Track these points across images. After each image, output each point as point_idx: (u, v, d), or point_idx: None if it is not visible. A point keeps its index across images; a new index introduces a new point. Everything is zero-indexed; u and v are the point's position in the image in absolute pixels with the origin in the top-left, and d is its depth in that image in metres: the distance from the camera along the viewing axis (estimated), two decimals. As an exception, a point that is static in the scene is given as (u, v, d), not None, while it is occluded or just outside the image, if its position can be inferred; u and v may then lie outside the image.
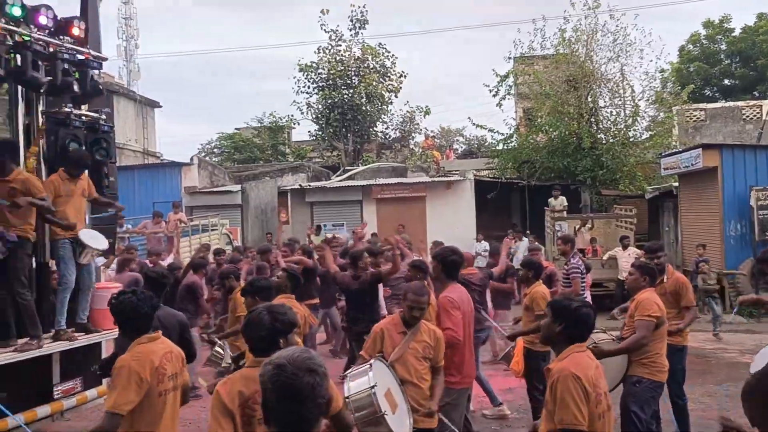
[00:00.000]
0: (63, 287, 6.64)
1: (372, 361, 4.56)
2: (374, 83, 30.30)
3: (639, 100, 21.73)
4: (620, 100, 21.62)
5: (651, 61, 22.84)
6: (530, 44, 22.58)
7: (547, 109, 21.83)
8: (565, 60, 21.59)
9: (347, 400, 4.30)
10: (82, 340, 6.74)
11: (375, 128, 32.66)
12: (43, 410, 6.42)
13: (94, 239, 6.79)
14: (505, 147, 23.36)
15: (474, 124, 24.50)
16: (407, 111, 32.71)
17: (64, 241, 6.61)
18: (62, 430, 7.18)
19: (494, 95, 23.07)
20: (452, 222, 20.50)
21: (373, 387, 4.28)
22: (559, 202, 19.23)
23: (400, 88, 31.77)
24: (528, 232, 18.90)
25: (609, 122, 21.88)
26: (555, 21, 24.23)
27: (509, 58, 23.66)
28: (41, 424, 6.70)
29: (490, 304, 9.96)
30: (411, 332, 4.72)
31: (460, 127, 42.03)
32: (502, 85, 22.99)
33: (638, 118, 21.62)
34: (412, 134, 34.02)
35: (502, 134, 23.54)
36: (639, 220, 17.92)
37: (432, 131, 36.36)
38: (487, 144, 28.80)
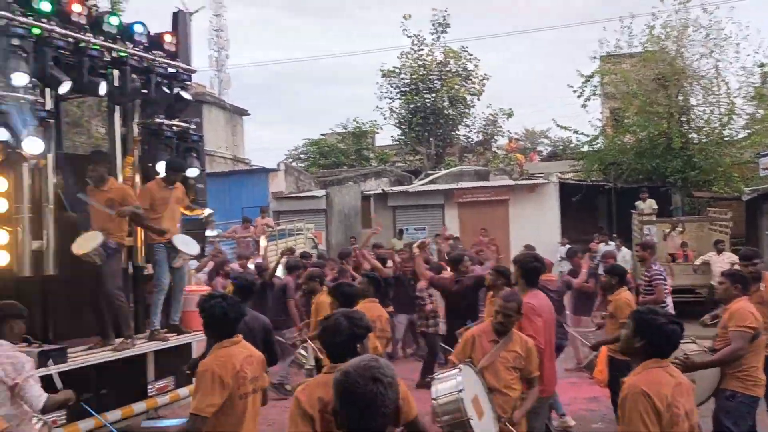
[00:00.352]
0: (158, 290, 6.99)
1: (461, 365, 4.55)
2: (456, 87, 30.18)
3: (735, 96, 20.69)
4: (714, 97, 20.65)
5: (749, 55, 21.48)
6: (617, 42, 21.94)
7: (634, 109, 21.13)
8: (654, 58, 20.83)
9: (433, 402, 4.32)
10: (174, 340, 7.05)
11: (457, 132, 32.52)
12: (139, 406, 6.75)
13: (187, 244, 7.10)
14: (591, 149, 22.75)
15: (558, 125, 23.93)
16: (490, 114, 32.39)
17: (158, 246, 6.95)
18: (157, 425, 7.50)
19: (579, 96, 22.52)
20: (536, 226, 20.15)
21: (460, 391, 4.26)
22: (648, 204, 18.54)
23: (483, 90, 31.51)
24: (615, 235, 18.33)
25: (702, 121, 20.94)
26: (643, 18, 23.40)
27: (594, 57, 23.06)
28: (137, 419, 7.04)
29: (569, 310, 9.78)
30: (502, 341, 4.65)
31: (545, 129, 41.17)
32: (587, 86, 22.40)
33: (734, 116, 20.58)
34: (495, 137, 33.64)
35: (588, 135, 22.94)
36: (735, 224, 17.05)
37: (515, 134, 35.83)
38: (572, 146, 28.09)
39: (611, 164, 21.78)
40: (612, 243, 17.24)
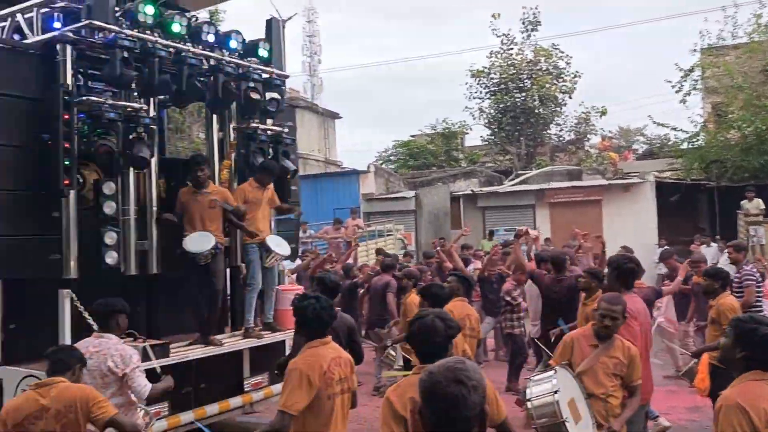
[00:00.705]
0: (251, 288, 7.24)
1: (557, 367, 4.46)
2: (547, 85, 29.59)
3: None
4: (828, 89, 19.32)
5: None
6: (719, 34, 20.90)
7: (740, 103, 20.03)
8: (761, 48, 19.70)
9: (528, 404, 4.26)
10: (269, 337, 7.26)
11: (548, 131, 31.88)
12: (235, 401, 6.98)
13: (279, 245, 7.31)
14: (691, 146, 21.75)
15: (655, 122, 23.03)
16: (582, 112, 31.54)
17: (252, 246, 7.20)
18: (252, 420, 7.76)
19: (677, 91, 21.59)
20: (631, 226, 19.42)
21: (555, 392, 4.18)
22: (755, 204, 17.52)
23: (575, 88, 30.76)
24: (718, 237, 17.44)
25: (815, 115, 19.62)
26: (748, 7, 22.17)
27: (694, 50, 22.04)
28: (234, 414, 7.30)
29: (668, 313, 9.42)
30: (603, 347, 4.51)
31: (640, 127, 39.62)
32: (686, 80, 21.46)
33: None
34: (588, 136, 32.73)
35: (687, 132, 21.95)
36: None
37: (609, 132, 34.72)
38: (670, 143, 26.95)
39: (713, 162, 20.74)
40: (714, 244, 16.43)
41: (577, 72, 30.60)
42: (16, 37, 6.30)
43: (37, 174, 5.81)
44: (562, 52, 30.56)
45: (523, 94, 29.90)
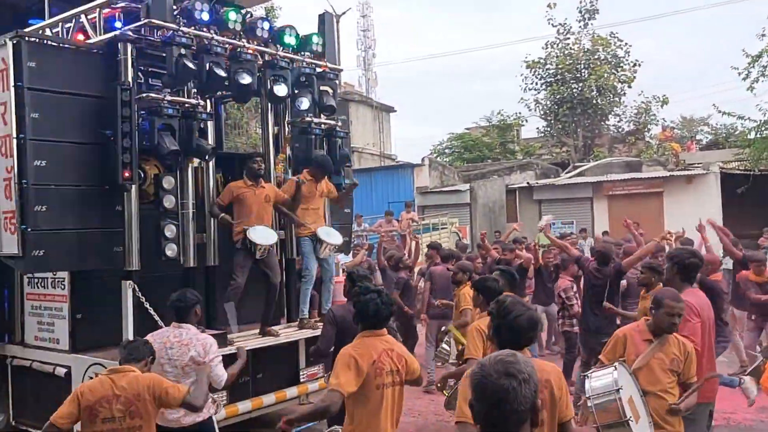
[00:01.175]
0: (305, 279, 7.33)
1: (616, 364, 4.35)
2: (605, 75, 29.00)
3: None
4: None
5: None
6: (789, 17, 19.99)
7: (811, 90, 19.16)
8: (835, 32, 18.79)
9: (588, 401, 4.18)
10: (324, 328, 7.33)
11: (607, 122, 31.26)
12: (291, 392, 7.09)
13: (331, 236, 7.38)
14: (760, 135, 20.91)
15: (720, 111, 22.22)
16: (642, 102, 30.80)
17: (305, 239, 7.29)
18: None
19: (744, 78, 20.76)
20: (694, 219, 18.78)
21: (618, 390, 4.08)
22: (827, 195, 16.77)
23: (634, 77, 30.08)
24: (788, 230, 16.73)
25: None
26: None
27: (762, 34, 21.15)
28: (290, 404, 7.41)
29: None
30: (658, 341, 4.38)
31: (704, 116, 38.36)
32: (754, 66, 20.61)
33: None
34: (648, 126, 31.90)
35: (755, 121, 21.11)
36: None
37: (671, 122, 33.78)
38: (737, 133, 25.98)
39: (784, 151, 19.92)
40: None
41: (636, 61, 29.93)
42: (80, 37, 6.50)
43: (100, 169, 6.01)
44: (621, 41, 29.90)
45: (580, 84, 29.37)
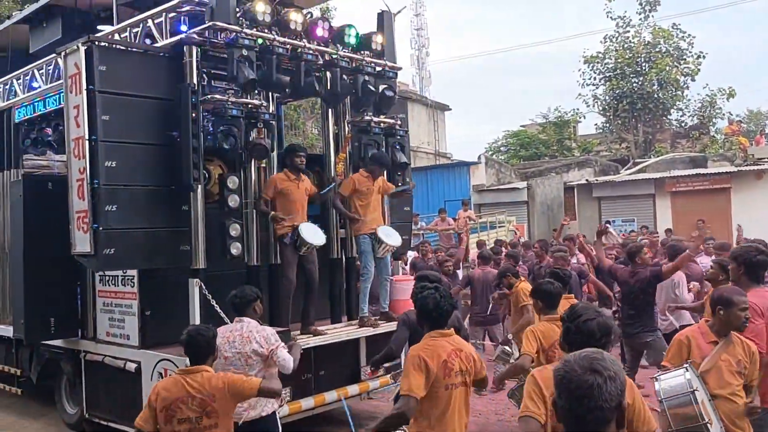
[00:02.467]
0: (364, 278, 7.35)
1: (686, 365, 4.18)
2: (667, 68, 28.21)
3: None
4: None
5: None
6: None
7: None
8: None
9: (661, 405, 4.04)
10: (384, 326, 7.35)
11: (669, 116, 30.43)
12: (353, 389, 7.13)
13: (390, 236, 7.38)
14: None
15: (790, 103, 21.35)
16: (707, 95, 29.81)
17: (363, 237, 7.30)
18: (369, 409, 7.89)
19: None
20: (764, 216, 18.15)
21: (693, 391, 3.93)
22: None
23: (698, 70, 29.15)
24: None
25: None
26: None
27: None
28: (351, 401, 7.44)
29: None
30: (724, 342, 4.24)
31: (773, 109, 36.95)
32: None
33: None
34: (713, 120, 30.87)
35: (830, 113, 20.21)
36: None
37: (737, 115, 32.58)
38: (809, 125, 24.94)
39: None
40: None
41: (700, 53, 29.02)
42: (148, 41, 6.68)
43: (167, 170, 6.16)
44: (684, 32, 29.01)
45: (641, 78, 28.67)
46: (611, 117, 30.22)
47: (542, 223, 22.10)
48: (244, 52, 6.20)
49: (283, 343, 4.93)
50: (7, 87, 8.45)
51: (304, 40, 6.80)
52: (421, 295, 4.01)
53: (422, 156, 28.23)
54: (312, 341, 6.65)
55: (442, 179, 22.92)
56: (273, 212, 6.77)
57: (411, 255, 11.57)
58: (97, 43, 5.98)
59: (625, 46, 29.37)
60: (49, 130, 7.94)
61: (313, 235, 6.83)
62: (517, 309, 7.75)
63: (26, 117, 8.10)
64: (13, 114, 8.31)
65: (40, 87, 7.77)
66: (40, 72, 7.75)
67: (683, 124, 31.18)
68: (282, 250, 6.82)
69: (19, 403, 8.92)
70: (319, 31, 6.93)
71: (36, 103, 7.85)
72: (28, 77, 8.01)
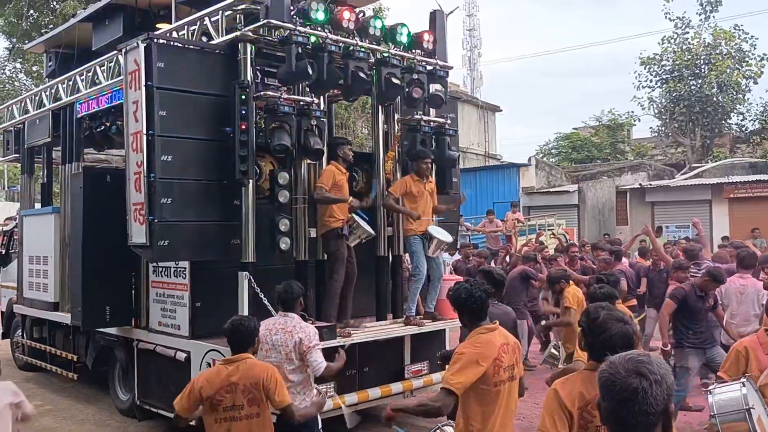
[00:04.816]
0: (416, 278, 7.35)
1: (743, 380, 4.07)
2: (728, 71, 27.36)
3: None
4: None
5: None
6: None
7: None
8: None
9: (713, 419, 3.93)
10: (429, 326, 7.35)
11: (728, 120, 29.52)
12: (396, 387, 7.15)
13: (441, 233, 7.38)
14: None
15: None
16: (770, 99, 28.80)
17: (415, 237, 7.31)
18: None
19: None
20: (829, 225, 17.49)
21: (750, 409, 3.82)
22: None
23: (761, 73, 28.20)
24: None
25: None
26: None
27: None
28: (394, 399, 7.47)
29: None
30: None
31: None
32: None
33: None
34: (776, 124, 29.85)
35: None
36: None
37: (802, 120, 31.41)
38: None
39: None
40: None
41: (764, 55, 28.02)
42: (204, 39, 6.83)
43: (220, 165, 6.29)
44: (746, 33, 28.11)
45: (699, 81, 27.91)
46: (667, 120, 29.50)
47: (593, 228, 21.72)
48: (298, 49, 6.28)
49: (320, 345, 4.95)
50: (71, 83, 8.75)
51: (357, 39, 6.86)
52: (453, 291, 3.98)
53: (472, 157, 28.08)
54: (357, 338, 6.70)
55: (491, 180, 22.76)
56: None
57: (452, 258, 11.56)
58: (155, 40, 6.15)
59: (684, 47, 28.64)
60: (108, 125, 8.18)
61: (366, 224, 6.92)
62: (562, 307, 7.72)
63: (88, 112, 8.37)
64: (76, 109, 8.59)
65: (101, 83, 8.02)
66: (102, 68, 8.00)
67: (743, 129, 30.23)
68: (335, 244, 6.85)
69: (74, 387, 9.25)
70: (371, 30, 6.98)
71: (97, 99, 8.10)
72: (90, 73, 8.27)
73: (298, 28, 6.31)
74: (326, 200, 6.78)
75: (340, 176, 6.94)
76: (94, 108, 8.21)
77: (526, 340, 9.31)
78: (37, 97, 9.84)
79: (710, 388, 4.27)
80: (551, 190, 23.10)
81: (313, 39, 6.44)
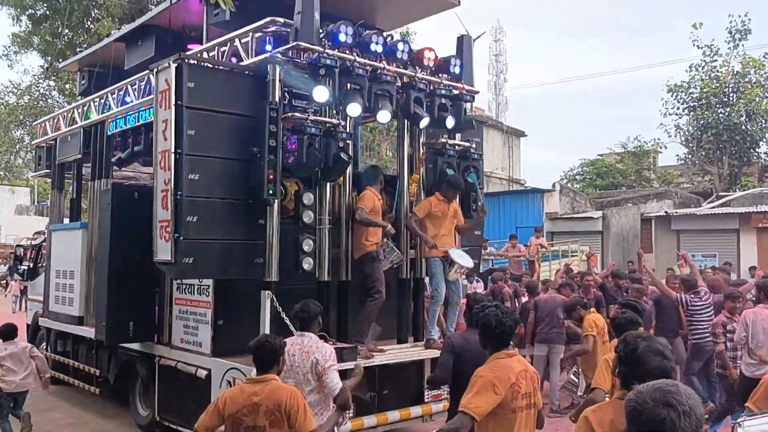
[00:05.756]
0: (434, 301, 7.34)
1: None
2: (757, 99, 27.09)
3: None
4: None
5: None
6: None
7: None
8: None
9: None
10: (450, 350, 7.29)
11: (757, 149, 29.13)
12: (415, 410, 7.09)
13: (461, 257, 7.36)
14: None
15: None
16: (800, 128, 28.44)
17: (435, 259, 7.30)
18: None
19: None
20: None
21: None
22: None
23: (791, 102, 27.84)
24: None
25: None
26: None
27: None
28: (413, 423, 7.41)
29: None
30: None
31: None
32: None
33: None
34: (806, 154, 29.45)
35: None
36: None
37: (832, 150, 30.95)
38: None
39: None
40: None
41: (794, 84, 27.71)
42: (234, 60, 6.94)
43: (246, 184, 6.34)
44: (776, 62, 27.86)
45: (728, 109, 27.65)
46: (694, 148, 29.23)
47: (617, 255, 21.47)
48: (324, 71, 6.35)
49: (336, 366, 4.92)
50: (103, 101, 8.93)
51: (384, 62, 6.92)
52: (483, 314, 3.96)
53: (496, 181, 28.03)
54: (377, 360, 6.68)
55: (514, 205, 22.66)
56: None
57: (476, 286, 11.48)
58: (186, 60, 6.26)
59: (712, 75, 28.44)
60: (138, 143, 8.32)
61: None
62: (583, 334, 7.67)
63: (118, 130, 8.52)
64: (107, 126, 8.75)
65: (132, 101, 8.17)
66: (133, 87, 8.15)
67: (773, 158, 29.88)
68: (371, 266, 6.89)
69: (96, 401, 9.31)
70: (399, 54, 7.04)
71: (128, 117, 8.25)
72: (122, 92, 8.44)
73: (326, 50, 6.39)
74: (367, 222, 6.85)
75: (378, 202, 7.05)
76: (124, 126, 8.36)
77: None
78: (69, 115, 10.05)
79: (739, 420, 4.18)
80: (575, 216, 22.94)
81: (340, 61, 6.50)
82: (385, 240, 7.00)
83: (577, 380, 7.50)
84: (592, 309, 8.02)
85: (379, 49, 6.86)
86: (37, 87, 25.00)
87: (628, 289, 9.88)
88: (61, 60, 17.97)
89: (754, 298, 8.02)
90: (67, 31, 20.95)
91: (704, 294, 8.63)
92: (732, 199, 22.62)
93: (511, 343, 3.98)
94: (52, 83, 24.32)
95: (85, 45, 18.54)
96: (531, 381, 3.86)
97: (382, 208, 7.23)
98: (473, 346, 4.37)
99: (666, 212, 21.87)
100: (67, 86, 21.88)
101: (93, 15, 20.49)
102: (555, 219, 22.51)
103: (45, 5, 20.99)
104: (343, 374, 5.17)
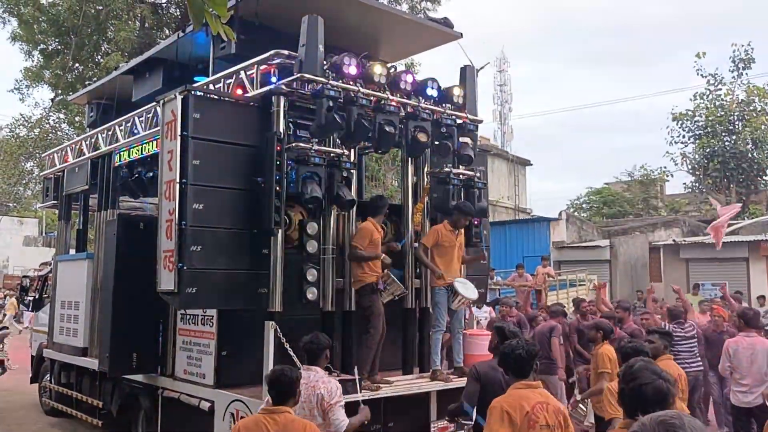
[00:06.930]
0: (435, 330, 7.28)
1: None
2: (762, 126, 27.12)
3: None
4: None
5: None
6: None
7: None
8: None
9: None
10: (456, 381, 7.20)
11: (764, 177, 29.07)
12: (422, 443, 7.00)
13: (467, 289, 7.30)
14: None
15: None
16: (807, 156, 28.41)
17: (440, 289, 7.26)
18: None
19: None
20: None
21: None
22: None
23: (797, 129, 27.84)
24: None
25: None
26: None
27: None
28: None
29: None
30: None
31: None
32: None
33: None
34: (814, 182, 29.37)
35: None
36: None
37: (841, 178, 30.85)
38: None
39: None
40: None
41: (799, 112, 27.74)
42: (239, 92, 7.00)
43: (250, 214, 6.36)
44: (781, 91, 27.93)
45: (733, 137, 27.67)
46: (701, 176, 29.21)
47: (625, 284, 21.33)
48: (330, 102, 6.39)
49: (342, 401, 4.87)
50: (110, 132, 9.01)
51: (387, 92, 6.96)
52: (503, 346, 4.11)
53: (501, 210, 28.01)
54: (382, 392, 6.60)
55: (521, 234, 22.60)
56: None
57: (484, 313, 11.35)
58: (193, 92, 6.32)
59: (717, 103, 28.53)
60: (143, 174, 8.38)
61: (400, 280, 6.93)
62: (596, 373, 7.42)
63: (125, 161, 8.58)
64: (114, 158, 8.81)
65: (139, 133, 8.24)
66: (140, 119, 8.23)
67: (780, 186, 29.79)
68: (369, 299, 6.85)
69: (99, 435, 9.23)
70: (402, 84, 7.08)
71: (134, 148, 8.31)
72: (129, 124, 8.51)
73: (330, 81, 6.44)
74: (360, 258, 6.85)
75: (377, 234, 7.01)
76: (130, 157, 8.42)
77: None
78: (77, 146, 10.14)
79: None
80: (582, 244, 22.85)
81: (344, 93, 6.55)
82: (386, 271, 6.97)
83: (585, 409, 7.38)
84: (605, 342, 7.87)
85: (383, 80, 6.87)
86: (47, 119, 25.29)
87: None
88: (71, 93, 18.20)
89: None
90: (77, 64, 21.25)
91: (688, 325, 8.93)
92: (741, 227, 22.50)
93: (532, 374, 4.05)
94: (62, 116, 24.60)
95: (95, 78, 18.78)
96: (555, 414, 3.85)
97: (387, 236, 7.21)
98: (501, 375, 4.53)
99: (674, 240, 21.78)
100: (77, 119, 22.13)
101: (103, 50, 20.79)
102: (562, 248, 22.43)
103: (57, 41, 21.34)
104: (348, 407, 5.10)
